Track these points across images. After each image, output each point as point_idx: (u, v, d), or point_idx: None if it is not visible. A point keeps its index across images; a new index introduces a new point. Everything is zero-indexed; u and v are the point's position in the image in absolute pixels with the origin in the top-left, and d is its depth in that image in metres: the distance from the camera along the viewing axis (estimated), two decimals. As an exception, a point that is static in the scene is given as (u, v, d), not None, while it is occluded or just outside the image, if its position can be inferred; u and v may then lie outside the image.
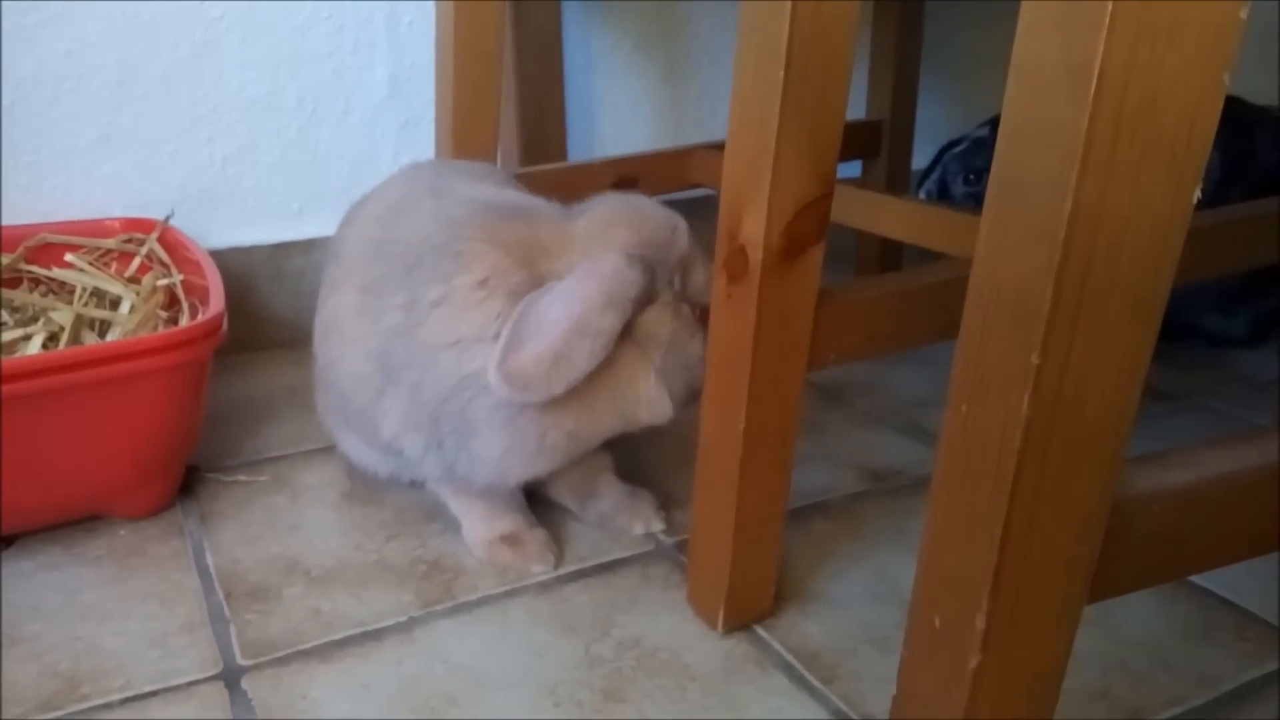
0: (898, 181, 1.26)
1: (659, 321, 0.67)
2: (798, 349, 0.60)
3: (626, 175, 1.03)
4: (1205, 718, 0.59)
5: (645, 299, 0.65)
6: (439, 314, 0.64)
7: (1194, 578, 0.72)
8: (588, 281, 0.62)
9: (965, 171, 1.11)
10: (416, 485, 0.79)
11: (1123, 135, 0.32)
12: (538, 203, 0.70)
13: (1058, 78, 0.33)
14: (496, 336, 0.63)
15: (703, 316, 0.67)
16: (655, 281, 0.66)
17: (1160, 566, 0.42)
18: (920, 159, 1.29)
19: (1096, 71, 0.32)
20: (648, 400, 0.67)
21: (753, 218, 0.56)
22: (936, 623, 0.41)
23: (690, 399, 0.69)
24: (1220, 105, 0.33)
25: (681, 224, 0.69)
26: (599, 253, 0.64)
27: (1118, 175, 0.33)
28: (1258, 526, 0.44)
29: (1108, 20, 0.31)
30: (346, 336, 0.69)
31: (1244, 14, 0.32)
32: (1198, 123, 0.33)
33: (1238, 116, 1.05)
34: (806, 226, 0.56)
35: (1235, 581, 0.71)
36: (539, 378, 0.61)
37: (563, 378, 0.61)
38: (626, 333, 0.64)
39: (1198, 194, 0.34)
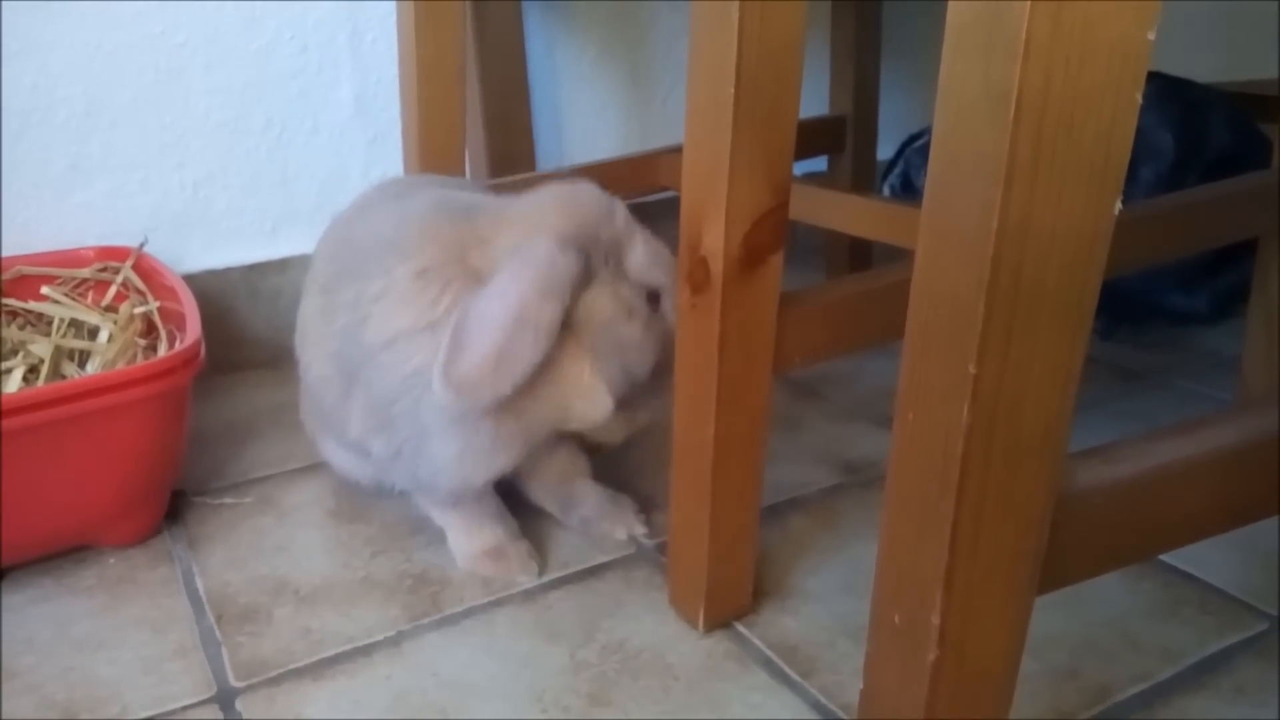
0: (863, 175, 1.27)
1: (594, 303, 0.66)
2: (762, 354, 0.61)
3: (596, 181, 1.04)
4: (1170, 691, 0.61)
5: (582, 283, 0.65)
6: (379, 309, 0.65)
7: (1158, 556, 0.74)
8: (522, 273, 0.61)
9: (927, 165, 1.13)
10: (404, 495, 0.80)
11: (1043, 155, 0.34)
12: (486, 198, 0.72)
13: (980, 103, 0.34)
14: (432, 326, 0.63)
15: (650, 297, 0.68)
16: (590, 263, 0.65)
17: (1107, 556, 0.44)
18: (885, 151, 1.31)
19: (1015, 96, 0.33)
20: (585, 389, 0.66)
21: (712, 230, 0.57)
22: (896, 620, 0.42)
23: (630, 386, 0.68)
24: (1134, 123, 0.35)
25: (619, 205, 0.68)
26: (531, 237, 0.64)
27: (1041, 193, 0.35)
28: (1199, 512, 0.46)
29: (1023, 48, 0.33)
30: (311, 339, 0.72)
31: (1151, 36, 0.34)
32: (1114, 139, 0.35)
33: (1189, 99, 1.07)
34: (765, 236, 0.58)
35: (1197, 557, 0.73)
36: (485, 380, 0.60)
37: (509, 376, 0.61)
38: (564, 322, 0.64)
39: (1118, 205, 0.36)
